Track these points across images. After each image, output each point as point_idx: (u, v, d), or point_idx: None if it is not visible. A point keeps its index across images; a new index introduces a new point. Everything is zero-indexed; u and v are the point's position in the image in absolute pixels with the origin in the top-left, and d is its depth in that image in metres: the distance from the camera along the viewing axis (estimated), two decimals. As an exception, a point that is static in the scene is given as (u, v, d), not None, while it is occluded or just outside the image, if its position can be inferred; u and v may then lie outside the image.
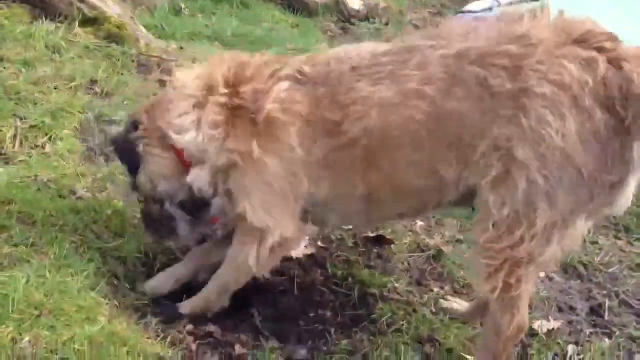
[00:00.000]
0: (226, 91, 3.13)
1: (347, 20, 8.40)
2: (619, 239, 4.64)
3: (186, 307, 3.37)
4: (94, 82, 4.80)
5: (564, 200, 2.69)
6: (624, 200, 2.84)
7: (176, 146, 3.21)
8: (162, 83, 5.16)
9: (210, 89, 3.18)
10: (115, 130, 3.90)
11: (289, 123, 3.02)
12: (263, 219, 3.11)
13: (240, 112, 3.11)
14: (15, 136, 4.09)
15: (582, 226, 2.87)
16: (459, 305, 3.70)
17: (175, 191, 3.34)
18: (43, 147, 4.13)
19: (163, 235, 3.51)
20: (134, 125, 3.35)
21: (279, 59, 3.26)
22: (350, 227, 3.97)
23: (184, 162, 3.24)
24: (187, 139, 3.17)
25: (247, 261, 3.20)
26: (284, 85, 3.06)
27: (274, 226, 3.12)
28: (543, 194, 2.69)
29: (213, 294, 3.36)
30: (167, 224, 3.43)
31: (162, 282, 3.45)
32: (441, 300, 3.73)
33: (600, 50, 2.67)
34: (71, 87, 4.65)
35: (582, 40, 2.69)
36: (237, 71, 3.18)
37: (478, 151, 2.79)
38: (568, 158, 2.65)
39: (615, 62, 2.64)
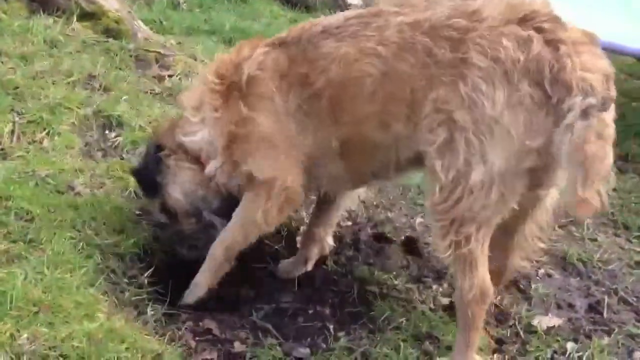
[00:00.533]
0: (217, 80, 3.43)
1: (345, 15, 8.36)
2: (618, 236, 4.64)
3: (195, 284, 3.49)
4: (92, 76, 4.78)
5: (496, 158, 2.89)
6: (558, 180, 3.05)
7: (195, 151, 3.50)
8: (161, 78, 5.16)
9: (205, 90, 3.48)
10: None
11: (267, 78, 3.30)
12: (266, 171, 3.32)
13: (230, 89, 3.41)
14: (12, 131, 4.08)
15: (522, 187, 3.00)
16: None
17: (211, 198, 3.54)
18: (41, 142, 4.12)
19: (201, 246, 3.53)
20: (157, 147, 3.58)
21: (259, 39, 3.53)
22: (338, 190, 3.85)
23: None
24: (198, 139, 3.48)
25: (254, 216, 3.35)
26: (261, 50, 3.37)
27: (278, 176, 3.31)
28: (478, 154, 2.89)
29: (219, 255, 3.44)
30: (206, 234, 3.51)
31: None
32: (439, 298, 3.74)
33: (539, 30, 2.87)
34: (69, 82, 4.64)
35: (525, 19, 2.91)
36: (223, 60, 3.51)
37: (423, 112, 3.03)
38: (497, 122, 2.87)
39: (553, 43, 2.84)
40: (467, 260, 3.04)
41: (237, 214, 3.43)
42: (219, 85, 3.43)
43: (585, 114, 2.74)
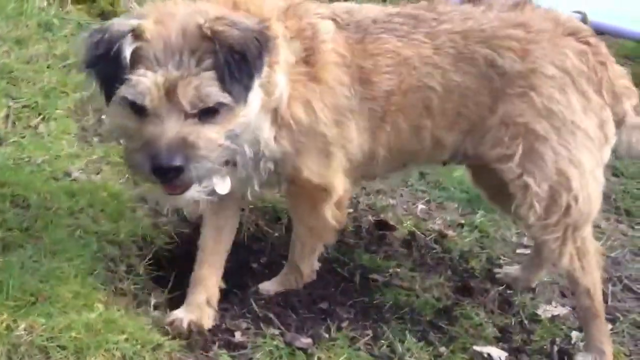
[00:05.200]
0: (289, 34, 2.92)
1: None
2: (621, 222, 4.61)
3: (271, 286, 3.41)
4: (87, 60, 4.69)
5: (585, 160, 3.05)
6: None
7: None
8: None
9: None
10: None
11: (339, 64, 2.97)
12: (322, 174, 3.08)
13: (304, 55, 2.94)
14: (7, 116, 4.02)
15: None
16: (513, 270, 3.85)
17: None
18: (36, 128, 4.05)
19: None
20: None
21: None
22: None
23: None
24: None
25: (323, 217, 3.19)
26: (330, 23, 3.01)
27: (333, 181, 3.11)
28: (568, 160, 3.02)
29: (304, 261, 3.39)
30: None
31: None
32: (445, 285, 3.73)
33: (587, 43, 3.11)
34: (64, 66, 4.56)
35: (574, 34, 3.12)
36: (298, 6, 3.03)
37: (486, 124, 3.08)
38: (578, 127, 3.04)
39: (598, 55, 3.11)
40: (583, 257, 3.19)
41: (299, 220, 3.34)
42: (293, 39, 2.92)
43: (636, 112, 3.18)
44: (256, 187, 3.05)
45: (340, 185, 3.13)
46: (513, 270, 3.84)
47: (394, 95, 3.04)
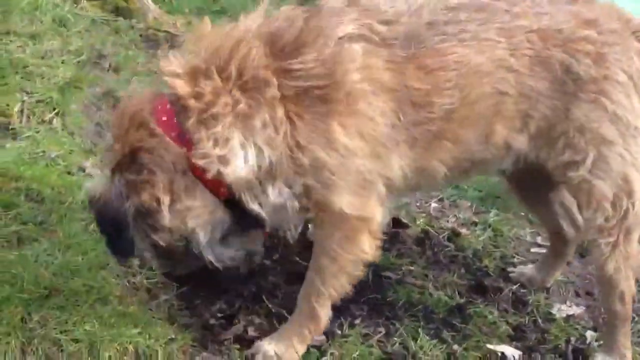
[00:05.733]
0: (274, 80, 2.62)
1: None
2: (636, 222, 4.56)
3: (275, 346, 2.94)
4: (101, 56, 4.73)
5: None
6: None
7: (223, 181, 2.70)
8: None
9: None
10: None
11: (370, 92, 2.66)
12: (357, 206, 2.78)
13: (303, 96, 2.64)
14: (22, 111, 4.03)
15: None
16: (528, 269, 3.82)
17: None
18: (50, 123, 4.07)
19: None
20: None
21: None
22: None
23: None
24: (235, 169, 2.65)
25: (358, 248, 2.86)
26: (358, 48, 2.66)
27: (373, 213, 2.83)
28: (631, 165, 3.03)
29: (323, 303, 2.94)
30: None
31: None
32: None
33: None
34: (78, 62, 4.59)
35: (635, 32, 3.05)
36: (274, 42, 2.67)
37: (557, 129, 2.97)
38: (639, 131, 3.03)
39: None
40: (627, 264, 3.15)
41: (325, 256, 2.88)
42: (276, 87, 2.61)
43: None
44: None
45: (379, 213, 2.86)
46: (528, 269, 3.82)
47: (457, 113, 2.80)
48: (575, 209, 3.07)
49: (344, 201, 2.74)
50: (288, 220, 2.88)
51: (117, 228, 2.69)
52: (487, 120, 2.88)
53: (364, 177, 2.75)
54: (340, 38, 2.66)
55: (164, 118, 2.64)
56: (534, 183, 3.34)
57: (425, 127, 2.78)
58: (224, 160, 2.61)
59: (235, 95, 2.61)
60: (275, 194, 2.70)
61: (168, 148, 2.62)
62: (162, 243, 2.73)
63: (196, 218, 2.72)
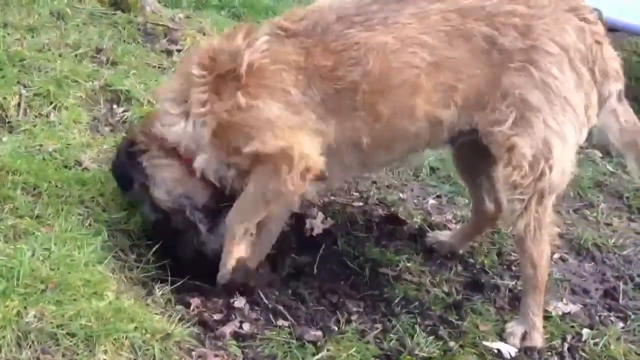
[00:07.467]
0: (202, 72, 3.19)
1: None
2: (633, 220, 4.58)
3: (222, 264, 3.34)
4: (99, 50, 4.69)
5: (569, 134, 3.19)
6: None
7: (173, 143, 3.28)
8: (169, 52, 5.07)
9: (187, 83, 3.24)
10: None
11: (279, 70, 3.12)
12: (278, 143, 3.11)
13: (222, 79, 3.17)
14: (19, 104, 4.01)
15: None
16: (443, 235, 3.95)
17: (194, 193, 3.36)
18: (48, 116, 4.04)
19: (188, 247, 3.41)
20: (129, 142, 3.39)
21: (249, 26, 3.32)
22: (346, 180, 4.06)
23: (186, 160, 3.29)
24: (178, 130, 3.25)
25: (276, 186, 3.17)
26: (264, 39, 3.16)
27: (294, 145, 3.12)
28: (554, 132, 3.15)
29: (237, 230, 3.28)
30: (191, 234, 3.37)
31: None
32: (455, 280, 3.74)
33: (586, 21, 3.20)
34: (76, 55, 4.55)
35: (574, 9, 3.19)
36: (209, 49, 3.25)
37: (486, 98, 3.16)
38: (568, 102, 3.16)
39: (594, 34, 3.20)
40: (538, 227, 3.25)
41: (249, 188, 3.23)
42: (206, 77, 3.19)
43: (619, 97, 3.30)
44: None
45: (305, 154, 3.13)
46: (442, 235, 3.96)
47: (366, 85, 3.10)
48: (499, 186, 3.33)
49: (261, 144, 3.10)
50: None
51: None
52: (405, 95, 3.14)
53: (280, 125, 3.11)
54: (254, 39, 3.19)
55: None
56: (473, 158, 3.61)
57: (338, 98, 3.13)
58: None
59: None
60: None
61: None
62: None
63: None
